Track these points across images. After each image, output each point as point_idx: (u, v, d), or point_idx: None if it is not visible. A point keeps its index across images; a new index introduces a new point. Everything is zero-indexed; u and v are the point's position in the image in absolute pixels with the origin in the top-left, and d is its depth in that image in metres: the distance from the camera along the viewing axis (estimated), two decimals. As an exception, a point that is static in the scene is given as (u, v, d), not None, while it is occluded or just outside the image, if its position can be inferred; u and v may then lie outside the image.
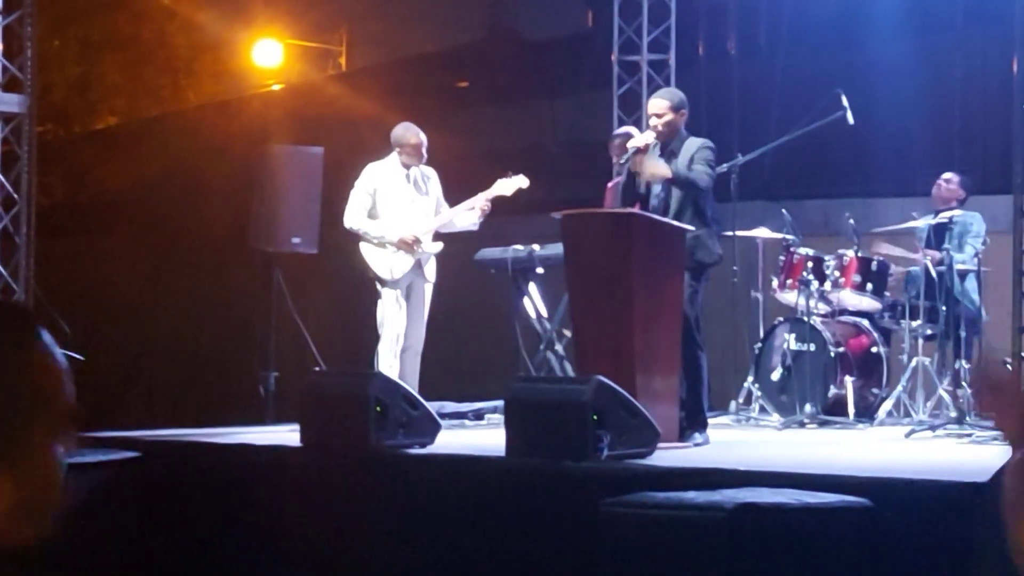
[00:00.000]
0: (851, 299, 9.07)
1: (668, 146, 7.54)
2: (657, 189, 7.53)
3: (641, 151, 7.49)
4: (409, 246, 8.64)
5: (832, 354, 8.75)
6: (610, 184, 8.99)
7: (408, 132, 8.75)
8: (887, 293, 9.05)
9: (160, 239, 16.08)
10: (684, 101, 7.70)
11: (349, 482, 6.84)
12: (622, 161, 7.61)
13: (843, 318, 9.17)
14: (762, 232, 9.37)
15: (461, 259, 9.17)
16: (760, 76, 12.80)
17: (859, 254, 8.98)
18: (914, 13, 11.62)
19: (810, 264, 8.94)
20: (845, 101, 8.86)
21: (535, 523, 6.09)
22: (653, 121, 7.57)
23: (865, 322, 9.12)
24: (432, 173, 8.89)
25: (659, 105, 7.63)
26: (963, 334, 8.55)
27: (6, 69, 9.11)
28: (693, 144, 7.53)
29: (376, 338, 8.66)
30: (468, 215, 8.79)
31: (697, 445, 7.29)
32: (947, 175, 9.25)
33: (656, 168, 7.38)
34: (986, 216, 9.07)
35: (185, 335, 14.83)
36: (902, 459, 6.83)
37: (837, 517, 4.99)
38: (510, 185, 8.81)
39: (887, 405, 8.67)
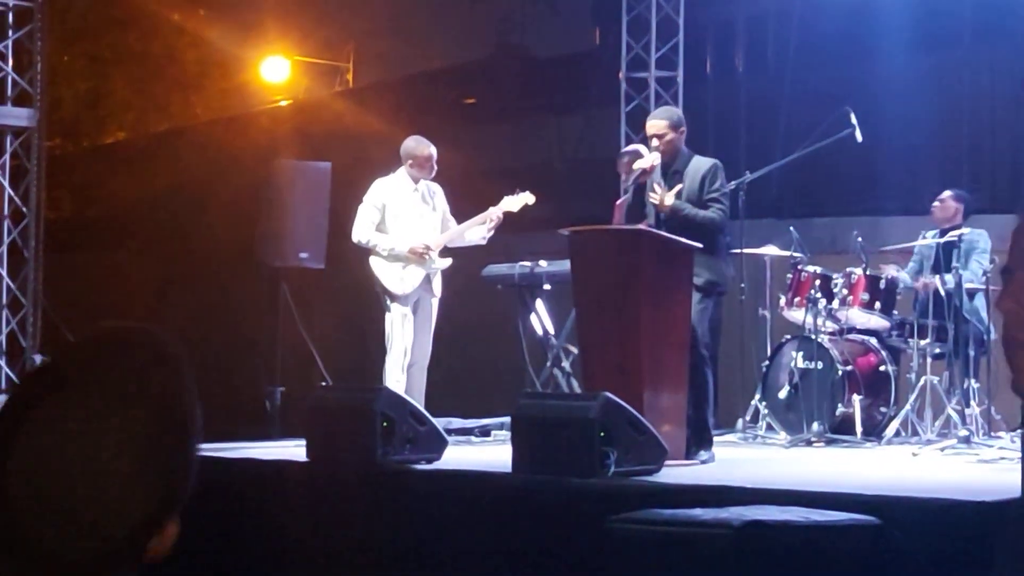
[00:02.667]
0: (859, 317, 9.05)
1: (672, 166, 7.53)
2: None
3: (647, 172, 7.49)
4: (421, 256, 8.64)
5: (840, 372, 8.73)
6: (618, 202, 8.98)
7: (419, 145, 8.77)
8: (895, 311, 9.03)
9: (168, 254, 16.10)
10: (682, 119, 7.70)
11: (355, 497, 6.82)
12: (627, 183, 7.60)
13: (851, 336, 9.15)
14: (770, 250, 9.36)
15: (468, 275, 9.17)
16: (768, 93, 12.81)
17: (867, 272, 8.96)
18: (922, 30, 11.63)
19: (818, 282, 8.92)
20: (854, 119, 8.84)
21: (541, 539, 6.07)
22: (654, 143, 7.58)
23: (873, 340, 9.10)
24: (438, 188, 8.90)
25: (657, 126, 7.62)
26: (971, 353, 8.53)
27: (16, 83, 9.12)
28: (700, 165, 7.50)
29: (382, 353, 8.66)
30: (477, 229, 8.79)
31: (703, 463, 7.27)
32: (942, 195, 9.17)
33: (665, 200, 7.38)
34: (993, 234, 9.04)
35: (192, 349, 14.75)
36: (910, 478, 6.81)
37: (845, 535, 4.96)
38: (516, 202, 8.82)
39: (895, 424, 8.64)
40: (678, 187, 7.44)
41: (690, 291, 7.36)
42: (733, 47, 13.73)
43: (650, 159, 7.55)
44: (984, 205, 10.10)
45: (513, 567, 6.16)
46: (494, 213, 8.74)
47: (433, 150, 8.74)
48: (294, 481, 7.19)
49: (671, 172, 7.54)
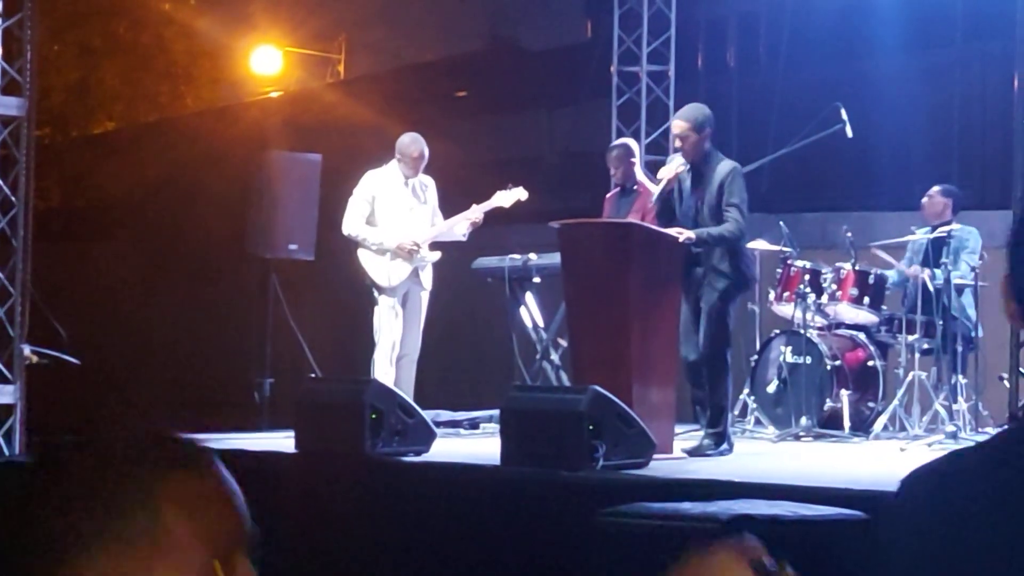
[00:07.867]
0: (848, 312, 9.06)
1: (698, 169, 7.44)
2: (691, 211, 7.45)
3: (671, 181, 7.41)
4: (408, 253, 8.64)
5: (828, 367, 8.74)
6: (608, 195, 8.99)
7: (412, 144, 8.71)
8: (884, 307, 9.05)
9: (157, 245, 16.08)
10: (707, 119, 7.47)
11: (344, 489, 6.82)
12: (654, 198, 7.54)
13: (840, 331, 9.16)
14: (760, 244, 9.36)
15: (458, 268, 9.16)
16: (759, 88, 12.82)
17: (856, 267, 8.97)
18: (913, 28, 11.65)
19: (807, 277, 8.94)
20: (844, 114, 8.85)
21: (530, 532, 6.07)
22: (677, 144, 7.50)
23: (862, 335, 9.12)
24: (430, 182, 8.88)
25: (679, 127, 7.47)
26: (959, 349, 8.55)
27: (5, 72, 9.09)
28: (723, 169, 7.37)
29: (372, 345, 8.65)
30: (463, 225, 8.79)
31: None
32: (931, 190, 9.16)
33: (681, 239, 7.32)
34: (983, 231, 9.07)
35: (181, 340, 14.81)
36: (898, 473, 6.79)
37: (833, 530, 4.97)
38: (509, 197, 8.81)
39: (883, 419, 8.66)
40: (686, 235, 7.31)
41: (680, 284, 7.37)
42: (725, 42, 13.74)
43: (674, 167, 7.45)
44: (974, 202, 10.12)
45: (501, 560, 6.16)
46: (482, 210, 8.73)
47: (425, 151, 8.68)
48: (282, 472, 7.18)
49: (696, 175, 7.42)
